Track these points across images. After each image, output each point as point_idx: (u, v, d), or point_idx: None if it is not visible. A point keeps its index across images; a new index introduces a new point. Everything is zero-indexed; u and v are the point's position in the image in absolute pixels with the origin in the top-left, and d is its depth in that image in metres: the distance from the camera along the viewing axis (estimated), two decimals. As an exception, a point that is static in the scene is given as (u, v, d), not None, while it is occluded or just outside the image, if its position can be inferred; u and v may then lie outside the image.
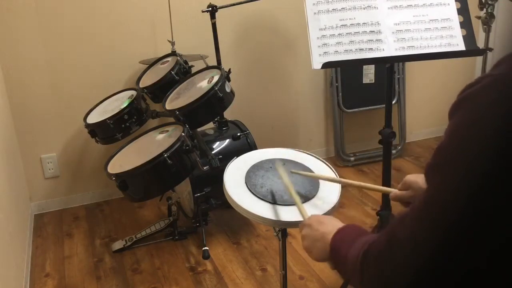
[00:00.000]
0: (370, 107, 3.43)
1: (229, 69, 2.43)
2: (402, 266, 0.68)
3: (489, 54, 3.08)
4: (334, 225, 1.01)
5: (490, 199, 0.61)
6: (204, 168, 2.21)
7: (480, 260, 0.64)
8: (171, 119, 2.35)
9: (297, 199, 1.29)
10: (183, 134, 2.05)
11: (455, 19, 1.85)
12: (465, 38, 1.84)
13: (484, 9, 2.77)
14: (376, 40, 1.83)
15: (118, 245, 2.59)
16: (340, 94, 3.36)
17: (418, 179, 1.13)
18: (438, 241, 0.64)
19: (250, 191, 1.44)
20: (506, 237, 0.62)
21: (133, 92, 2.61)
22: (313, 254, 1.03)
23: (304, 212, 1.23)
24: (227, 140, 2.65)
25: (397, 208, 1.26)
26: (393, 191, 1.21)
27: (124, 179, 1.99)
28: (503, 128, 0.61)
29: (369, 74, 3.35)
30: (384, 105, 2.14)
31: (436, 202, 0.66)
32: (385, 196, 2.15)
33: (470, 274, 0.65)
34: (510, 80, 0.63)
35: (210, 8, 2.68)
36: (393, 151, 3.43)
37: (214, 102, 2.27)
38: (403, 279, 0.68)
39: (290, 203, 1.36)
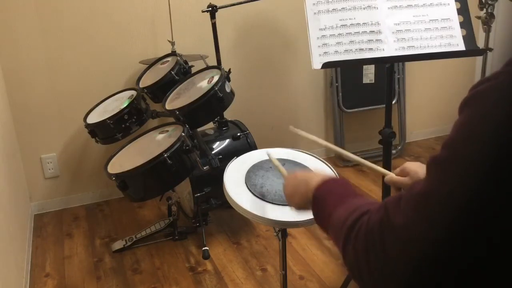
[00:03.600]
0: (370, 107, 3.43)
1: (229, 69, 2.43)
2: (393, 253, 0.67)
3: (489, 54, 3.08)
4: (319, 174, 1.00)
5: (494, 195, 0.61)
6: (204, 168, 2.21)
7: (479, 257, 0.64)
8: (171, 119, 2.35)
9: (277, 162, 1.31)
10: (183, 134, 2.05)
11: (455, 19, 1.85)
12: (465, 38, 1.84)
13: (484, 9, 2.77)
14: (376, 40, 1.83)
15: (118, 245, 2.59)
16: (340, 94, 3.36)
17: (418, 169, 1.10)
18: (436, 236, 0.64)
19: (250, 191, 1.44)
20: (506, 234, 0.62)
21: (133, 92, 2.61)
22: (295, 199, 1.03)
23: (284, 172, 1.26)
24: (227, 140, 2.65)
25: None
26: (390, 174, 1.19)
27: (124, 179, 1.99)
28: (510, 126, 0.60)
29: (369, 74, 3.35)
30: (384, 105, 2.14)
31: (436, 197, 0.65)
32: (385, 195, 2.15)
33: (468, 271, 0.65)
34: None
35: (210, 8, 2.68)
36: (393, 151, 3.43)
37: (214, 102, 2.27)
38: (393, 266, 0.67)
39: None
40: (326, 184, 0.93)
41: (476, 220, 0.62)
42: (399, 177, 1.15)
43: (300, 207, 1.02)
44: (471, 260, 0.64)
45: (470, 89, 0.67)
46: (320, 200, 0.90)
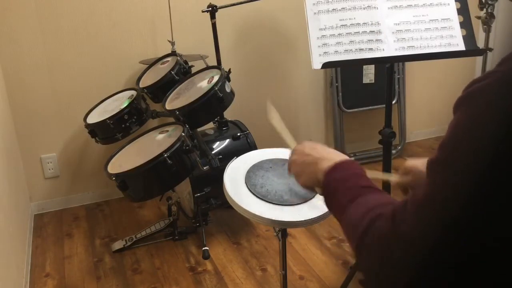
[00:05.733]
0: (370, 107, 3.43)
1: (229, 69, 2.43)
2: (401, 259, 0.67)
3: (489, 54, 3.08)
4: (328, 152, 0.97)
5: (491, 196, 0.61)
6: (204, 168, 2.21)
7: (479, 258, 0.64)
8: (171, 119, 2.35)
9: (285, 130, 1.26)
10: (183, 134, 2.05)
11: (455, 19, 1.85)
12: (465, 38, 1.84)
13: (484, 9, 2.77)
14: (376, 40, 1.83)
15: (118, 245, 2.59)
16: (340, 94, 3.36)
17: (417, 163, 1.11)
18: (436, 238, 0.64)
19: (250, 191, 1.44)
20: (506, 234, 0.62)
21: (133, 92, 2.61)
22: (302, 178, 1.00)
23: (291, 141, 1.21)
24: (227, 140, 2.65)
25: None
26: (392, 177, 1.20)
27: (124, 179, 1.99)
28: (508, 125, 0.60)
29: (369, 74, 3.35)
30: (384, 105, 2.14)
31: (436, 199, 0.65)
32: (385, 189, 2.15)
33: (469, 272, 0.65)
34: None
35: (210, 8, 2.68)
36: (393, 151, 3.43)
37: (214, 102, 2.27)
38: (401, 272, 0.67)
39: (290, 203, 1.37)
40: (339, 170, 0.89)
41: (476, 220, 0.62)
42: (402, 178, 1.16)
43: (306, 186, 0.99)
44: (474, 260, 0.64)
45: (464, 89, 0.68)
46: (332, 188, 0.88)
